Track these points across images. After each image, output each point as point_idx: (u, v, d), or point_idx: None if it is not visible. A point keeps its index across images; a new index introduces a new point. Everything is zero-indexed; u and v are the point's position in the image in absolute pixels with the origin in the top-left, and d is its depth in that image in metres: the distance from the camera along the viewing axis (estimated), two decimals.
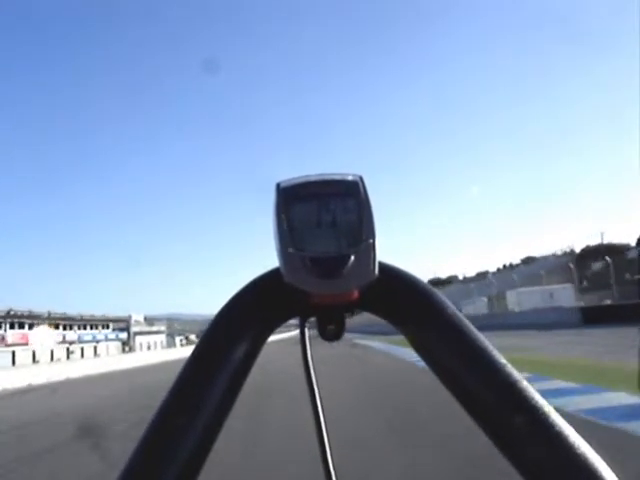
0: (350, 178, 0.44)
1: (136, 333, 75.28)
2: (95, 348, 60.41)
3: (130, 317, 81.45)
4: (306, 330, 0.48)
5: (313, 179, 0.44)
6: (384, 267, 0.44)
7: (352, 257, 0.41)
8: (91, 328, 64.50)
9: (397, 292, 0.45)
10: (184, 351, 48.11)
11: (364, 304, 0.44)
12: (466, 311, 47.24)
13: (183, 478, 0.39)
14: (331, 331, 0.45)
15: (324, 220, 0.42)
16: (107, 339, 65.35)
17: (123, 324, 74.38)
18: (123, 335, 71.29)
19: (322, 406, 0.48)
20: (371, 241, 0.41)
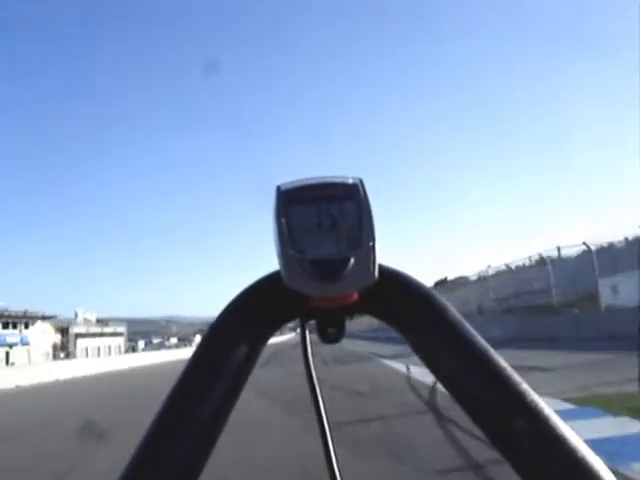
0: (350, 181, 0.44)
1: (78, 335, 58.35)
2: (7, 354, 43.50)
3: (76, 315, 64.12)
4: (307, 332, 0.48)
5: (313, 182, 0.44)
6: (384, 269, 0.44)
7: (352, 260, 0.41)
8: (5, 327, 47.97)
9: (397, 294, 0.44)
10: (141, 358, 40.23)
11: (364, 307, 0.44)
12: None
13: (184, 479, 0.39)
14: (331, 334, 0.45)
15: (324, 223, 0.42)
16: (23, 342, 48.20)
17: (60, 324, 56.97)
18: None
19: (325, 409, 0.49)
20: (371, 244, 0.41)
